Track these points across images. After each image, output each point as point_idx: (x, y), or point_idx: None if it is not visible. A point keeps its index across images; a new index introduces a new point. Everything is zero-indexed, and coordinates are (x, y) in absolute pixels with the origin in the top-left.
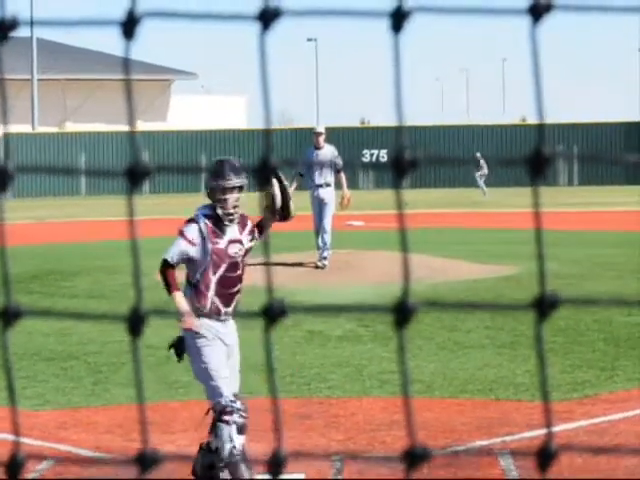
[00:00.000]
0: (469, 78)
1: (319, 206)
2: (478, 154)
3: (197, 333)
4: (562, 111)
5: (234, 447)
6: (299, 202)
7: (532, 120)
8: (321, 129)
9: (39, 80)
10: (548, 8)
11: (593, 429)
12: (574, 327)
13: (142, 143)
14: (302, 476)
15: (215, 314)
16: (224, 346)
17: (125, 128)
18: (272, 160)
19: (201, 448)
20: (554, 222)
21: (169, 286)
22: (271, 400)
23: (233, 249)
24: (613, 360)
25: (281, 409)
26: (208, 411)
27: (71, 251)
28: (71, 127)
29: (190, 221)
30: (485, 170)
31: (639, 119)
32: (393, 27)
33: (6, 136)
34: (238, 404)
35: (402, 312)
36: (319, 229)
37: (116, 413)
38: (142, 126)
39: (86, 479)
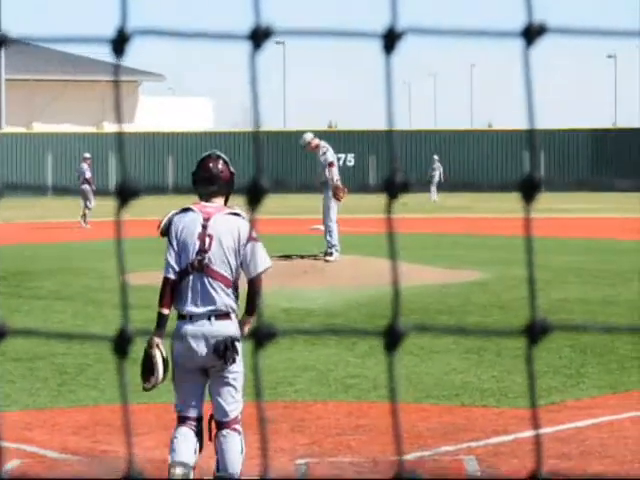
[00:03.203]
0: (437, 83)
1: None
2: (436, 157)
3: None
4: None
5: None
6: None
7: (498, 126)
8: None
9: (6, 80)
10: (541, 31)
11: (559, 436)
12: None
13: (109, 145)
14: None
15: None
16: None
17: (92, 129)
18: (263, 182)
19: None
20: (520, 228)
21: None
22: (260, 431)
23: None
24: (579, 367)
25: (267, 438)
26: (232, 422)
27: (37, 252)
28: (39, 127)
29: None
30: (438, 174)
31: (607, 126)
32: (385, 48)
33: None
34: None
35: (392, 336)
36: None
37: (82, 414)
38: (109, 127)
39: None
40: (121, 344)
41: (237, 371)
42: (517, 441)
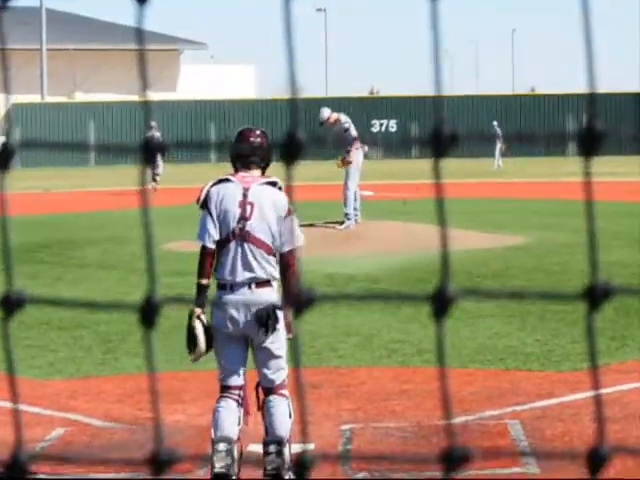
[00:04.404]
0: (478, 49)
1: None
2: (495, 123)
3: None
4: (571, 82)
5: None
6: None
7: (541, 90)
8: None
9: (48, 50)
10: None
11: (603, 399)
12: None
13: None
14: (311, 446)
15: None
16: None
17: (134, 98)
18: (299, 135)
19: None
20: (563, 192)
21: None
22: (297, 398)
23: None
24: (623, 330)
25: (307, 407)
26: (278, 387)
27: (80, 221)
28: (80, 97)
29: None
30: (501, 141)
31: None
32: None
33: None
34: None
35: (440, 301)
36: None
37: (126, 382)
38: (152, 96)
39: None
40: (148, 313)
41: (279, 339)
42: (562, 405)
